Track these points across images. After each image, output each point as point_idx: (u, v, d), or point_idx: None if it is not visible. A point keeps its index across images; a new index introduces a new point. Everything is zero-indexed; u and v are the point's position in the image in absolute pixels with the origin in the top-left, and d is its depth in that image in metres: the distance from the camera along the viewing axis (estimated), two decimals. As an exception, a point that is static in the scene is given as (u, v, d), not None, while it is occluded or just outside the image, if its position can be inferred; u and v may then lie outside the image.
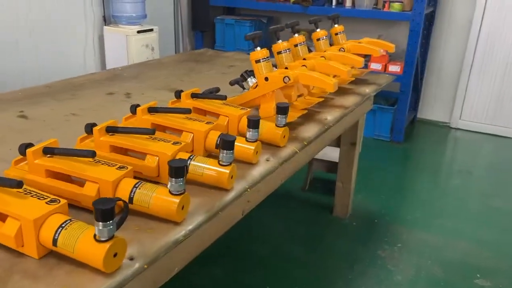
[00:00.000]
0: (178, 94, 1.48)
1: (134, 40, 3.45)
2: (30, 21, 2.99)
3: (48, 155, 1.01)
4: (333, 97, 1.90)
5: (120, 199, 0.84)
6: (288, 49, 1.69)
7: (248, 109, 1.43)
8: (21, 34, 2.96)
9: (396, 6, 3.57)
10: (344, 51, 1.96)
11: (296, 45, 1.84)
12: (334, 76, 1.67)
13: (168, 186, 0.92)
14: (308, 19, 2.04)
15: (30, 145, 1.02)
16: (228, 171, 1.06)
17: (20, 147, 1.02)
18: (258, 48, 1.53)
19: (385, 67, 3.70)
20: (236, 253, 2.27)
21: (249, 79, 1.59)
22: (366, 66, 3.75)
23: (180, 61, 2.55)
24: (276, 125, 1.34)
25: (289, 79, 1.44)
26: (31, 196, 0.86)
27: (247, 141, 1.21)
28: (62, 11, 3.23)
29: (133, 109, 1.33)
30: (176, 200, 0.92)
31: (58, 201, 0.85)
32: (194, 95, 1.47)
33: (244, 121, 1.37)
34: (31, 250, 0.83)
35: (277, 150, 1.34)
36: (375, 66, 3.73)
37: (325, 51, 1.92)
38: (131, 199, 0.93)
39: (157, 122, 1.28)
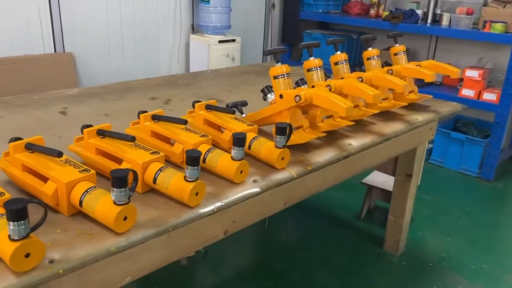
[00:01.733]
0: (193, 104, 1.48)
1: (215, 49, 3.57)
2: (122, 26, 3.27)
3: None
4: (375, 122, 1.75)
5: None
6: (319, 66, 1.59)
7: (255, 126, 1.38)
8: (114, 40, 3.25)
9: (498, 27, 3.17)
10: (392, 73, 1.79)
11: (336, 63, 1.73)
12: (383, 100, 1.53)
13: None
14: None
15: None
16: (189, 188, 1.02)
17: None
18: (279, 64, 1.46)
19: (479, 94, 3.31)
20: (266, 273, 2.19)
21: (269, 95, 1.53)
22: (432, 91, 3.42)
23: (240, 72, 2.57)
24: (275, 146, 1.27)
25: (300, 99, 1.35)
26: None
27: (232, 159, 1.16)
28: (153, 19, 3.47)
29: (138, 115, 1.37)
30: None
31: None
32: (208, 107, 1.46)
33: (250, 135, 1.32)
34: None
35: (271, 172, 1.27)
36: (467, 92, 3.35)
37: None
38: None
39: (154, 129, 1.30)
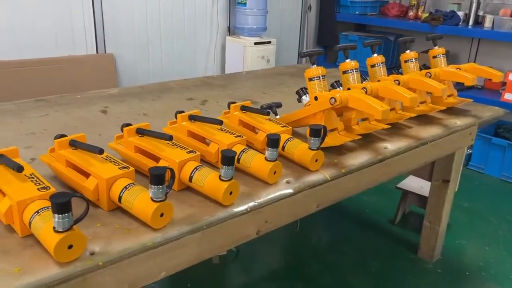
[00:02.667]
0: (228, 105, 1.50)
1: (250, 51, 3.60)
2: (161, 26, 3.35)
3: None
4: (411, 126, 1.72)
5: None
6: (355, 69, 1.58)
7: (289, 128, 1.38)
8: (152, 38, 3.34)
9: (544, 29, 3.05)
10: (430, 76, 1.75)
11: (373, 66, 1.71)
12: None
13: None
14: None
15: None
16: (224, 187, 1.04)
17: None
18: (314, 66, 1.46)
19: (523, 99, 3.18)
20: (298, 274, 2.19)
21: (304, 97, 1.53)
22: (473, 95, 3.31)
23: (275, 74, 2.58)
24: (309, 148, 1.27)
25: (335, 101, 1.35)
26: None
27: (265, 160, 1.17)
28: (191, 20, 3.54)
29: (176, 114, 1.40)
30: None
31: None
32: (243, 108, 1.48)
33: (284, 137, 1.33)
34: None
35: (305, 174, 1.27)
36: (510, 96, 3.23)
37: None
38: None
39: (191, 129, 1.33)
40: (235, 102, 1.51)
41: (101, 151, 1.05)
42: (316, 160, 1.28)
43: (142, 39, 3.28)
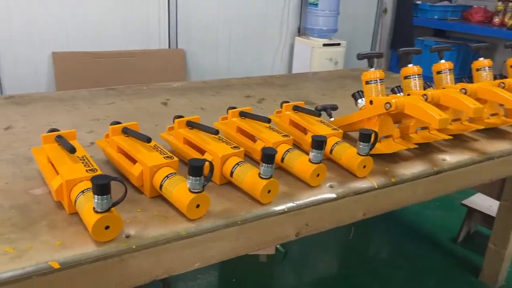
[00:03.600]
0: (281, 104, 1.50)
1: (318, 53, 3.56)
2: (232, 25, 3.43)
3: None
4: (478, 139, 1.60)
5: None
6: (418, 74, 1.50)
7: (340, 131, 1.35)
8: (222, 36, 3.42)
9: None
10: (504, 86, 1.62)
11: (439, 72, 1.61)
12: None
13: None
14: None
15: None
16: (262, 184, 1.04)
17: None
18: (372, 69, 1.41)
19: None
20: (348, 284, 2.14)
21: (359, 100, 1.48)
22: None
23: (339, 77, 2.52)
24: (357, 153, 1.23)
25: (391, 106, 1.29)
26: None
27: (309, 161, 1.15)
28: (262, 20, 3.58)
29: (227, 110, 1.42)
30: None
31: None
32: (295, 108, 1.46)
33: (333, 140, 1.30)
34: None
35: (351, 180, 1.23)
36: None
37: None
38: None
39: (240, 125, 1.34)
40: (288, 102, 1.50)
41: (148, 140, 1.10)
42: (364, 166, 1.23)
43: (212, 37, 3.37)
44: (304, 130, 1.40)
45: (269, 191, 1.06)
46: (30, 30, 2.77)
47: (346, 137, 1.50)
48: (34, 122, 1.52)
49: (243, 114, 1.37)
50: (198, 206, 0.97)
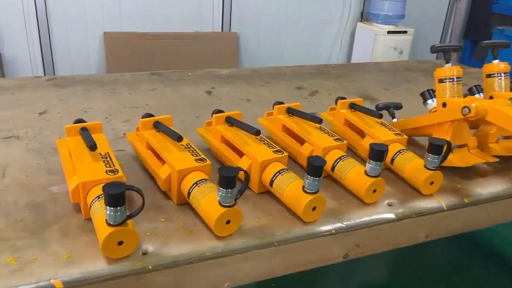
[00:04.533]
0: (336, 100, 1.32)
1: (382, 40, 3.29)
2: (288, 9, 3.23)
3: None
4: None
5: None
6: (504, 73, 1.26)
7: (404, 137, 1.15)
8: (278, 21, 3.24)
9: None
10: None
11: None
12: None
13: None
14: None
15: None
16: (306, 201, 0.87)
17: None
18: (448, 65, 1.19)
19: None
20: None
21: (429, 101, 1.27)
22: None
23: (405, 69, 2.27)
24: (424, 166, 1.02)
25: (469, 112, 1.07)
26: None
27: (365, 174, 0.97)
28: (321, 3, 3.35)
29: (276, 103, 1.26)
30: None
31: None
32: (352, 106, 1.28)
33: (394, 147, 1.11)
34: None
35: (414, 197, 1.03)
36: None
37: None
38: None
39: (286, 124, 1.18)
40: (344, 98, 1.32)
41: (179, 138, 0.96)
42: (432, 183, 1.03)
43: (267, 21, 3.20)
44: (361, 133, 1.21)
45: (314, 208, 0.90)
46: (83, 9, 2.74)
47: (410, 142, 1.30)
48: (70, 107, 1.44)
49: (290, 111, 1.21)
50: (228, 222, 0.83)
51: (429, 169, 1.02)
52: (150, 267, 0.77)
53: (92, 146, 0.90)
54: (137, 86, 1.70)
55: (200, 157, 0.95)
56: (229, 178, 0.79)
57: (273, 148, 1.02)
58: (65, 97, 1.53)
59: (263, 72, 1.99)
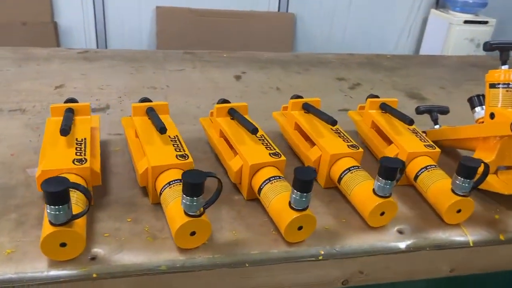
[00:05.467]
0: (367, 98, 1.14)
1: (456, 31, 2.95)
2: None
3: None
4: None
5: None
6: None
7: (437, 150, 0.96)
8: (341, 3, 3.01)
9: None
10: None
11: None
12: None
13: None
14: None
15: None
16: (288, 219, 0.74)
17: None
18: (505, 67, 0.97)
19: None
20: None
21: (477, 109, 1.05)
22: None
23: (472, 65, 1.99)
24: (451, 190, 0.84)
25: (520, 128, 0.86)
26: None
27: (373, 192, 0.81)
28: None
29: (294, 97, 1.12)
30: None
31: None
32: (383, 107, 1.10)
33: (421, 162, 0.93)
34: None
35: (433, 226, 0.85)
36: None
37: None
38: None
39: (299, 122, 1.03)
40: (376, 96, 1.14)
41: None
42: (459, 211, 0.84)
43: (328, 3, 2.98)
44: (389, 140, 1.04)
45: (300, 228, 0.76)
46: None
47: (452, 155, 1.10)
48: (88, 83, 1.40)
49: (306, 107, 1.06)
50: (193, 233, 0.72)
51: (457, 194, 0.83)
52: (94, 275, 0.68)
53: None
54: (165, 65, 1.62)
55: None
56: (193, 186, 0.68)
57: (270, 149, 0.89)
58: (89, 71, 1.49)
59: (304, 58, 1.83)
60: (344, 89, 1.54)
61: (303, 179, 0.71)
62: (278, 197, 0.78)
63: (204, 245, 0.74)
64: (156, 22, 2.73)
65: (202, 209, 0.71)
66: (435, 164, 0.92)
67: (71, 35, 2.73)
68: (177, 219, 0.71)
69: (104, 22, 2.73)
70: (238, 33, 2.81)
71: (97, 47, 2.80)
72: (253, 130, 0.90)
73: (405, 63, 1.92)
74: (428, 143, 0.97)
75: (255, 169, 0.85)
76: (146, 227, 0.78)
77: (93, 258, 0.70)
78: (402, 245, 0.81)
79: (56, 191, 0.63)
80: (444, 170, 0.91)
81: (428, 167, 0.91)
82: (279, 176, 0.83)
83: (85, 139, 0.86)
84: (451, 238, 0.84)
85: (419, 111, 1.18)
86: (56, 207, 0.64)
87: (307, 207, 0.75)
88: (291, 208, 0.75)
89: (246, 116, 1.00)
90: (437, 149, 0.96)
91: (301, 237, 0.78)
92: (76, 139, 0.86)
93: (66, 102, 0.98)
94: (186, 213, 0.71)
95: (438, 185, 0.87)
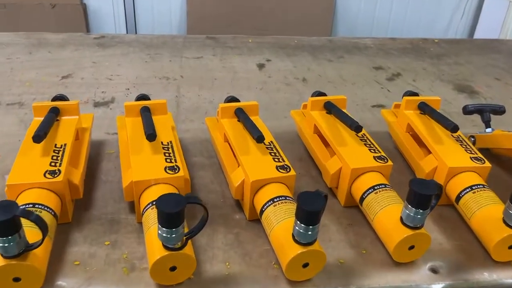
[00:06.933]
0: (403, 95, 0.97)
1: (517, 10, 2.63)
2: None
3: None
4: None
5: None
6: None
7: (486, 165, 0.78)
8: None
9: None
10: None
11: None
12: None
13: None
14: None
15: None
16: (291, 254, 0.60)
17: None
18: None
19: None
20: None
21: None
22: None
23: (535, 51, 1.73)
24: (503, 221, 0.67)
25: None
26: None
27: (401, 221, 0.65)
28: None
29: (315, 94, 0.96)
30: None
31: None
32: (421, 106, 0.92)
33: (465, 179, 0.76)
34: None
35: (480, 263, 0.68)
36: None
37: None
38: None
39: (318, 124, 0.88)
40: (415, 94, 0.96)
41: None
42: (511, 248, 0.67)
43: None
44: (427, 148, 0.87)
45: (305, 265, 0.62)
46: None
47: (507, 167, 0.92)
48: (97, 72, 1.30)
49: (328, 107, 0.90)
50: (174, 268, 0.60)
51: (509, 226, 0.66)
52: (49, 316, 0.57)
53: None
54: (184, 52, 1.50)
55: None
56: (170, 216, 0.55)
57: (278, 161, 0.74)
58: (101, 59, 1.39)
59: (338, 44, 1.65)
60: (381, 81, 1.36)
61: (309, 210, 0.57)
62: (282, 224, 0.64)
63: (189, 280, 0.62)
64: (186, 3, 2.61)
65: (184, 239, 0.59)
66: (483, 183, 0.75)
67: (100, 19, 2.67)
68: (155, 251, 0.59)
69: (134, 5, 2.64)
70: (272, 14, 2.63)
71: (127, 32, 2.72)
72: (259, 138, 0.75)
73: (455, 49, 1.69)
74: (475, 155, 0.79)
75: (258, 186, 0.71)
76: (125, 254, 0.66)
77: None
78: (437, 286, 0.65)
79: (2, 220, 0.52)
80: (496, 190, 0.74)
81: (474, 188, 0.74)
82: (285, 197, 0.69)
83: (65, 145, 0.75)
84: (501, 281, 0.66)
85: (467, 111, 0.99)
86: (4, 238, 0.53)
87: (315, 240, 0.60)
88: (295, 241, 0.60)
89: (255, 118, 0.86)
90: (487, 164, 0.78)
91: (307, 275, 0.63)
92: (55, 145, 0.75)
93: (53, 99, 0.87)
94: (164, 246, 0.58)
95: (486, 212, 0.70)
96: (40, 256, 0.58)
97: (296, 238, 0.60)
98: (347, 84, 1.32)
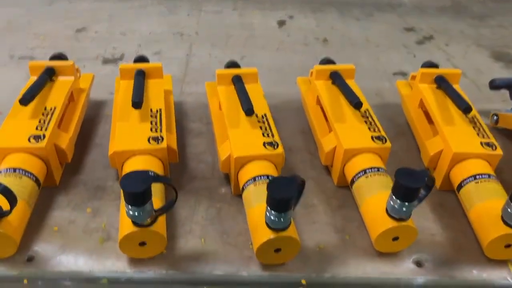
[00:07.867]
0: (427, 65, 0.89)
1: None
2: None
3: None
4: None
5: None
6: None
7: (497, 152, 0.71)
8: None
9: None
10: None
11: None
12: None
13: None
14: None
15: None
16: (263, 239, 0.57)
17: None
18: None
19: None
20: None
21: None
22: None
23: None
24: (501, 218, 0.61)
25: None
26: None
27: (386, 211, 0.61)
28: None
29: (324, 62, 0.90)
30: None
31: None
32: (438, 80, 0.84)
33: (470, 166, 0.69)
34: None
35: (471, 259, 0.64)
36: None
37: None
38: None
39: (320, 96, 0.82)
40: (434, 65, 0.88)
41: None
42: (509, 246, 0.62)
43: None
44: (435, 127, 0.80)
45: (278, 250, 0.60)
46: None
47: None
48: (112, 27, 1.28)
49: (334, 77, 0.84)
50: (144, 244, 0.59)
51: (508, 225, 0.60)
52: (25, 281, 0.59)
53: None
54: (204, 5, 1.44)
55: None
56: (133, 195, 0.54)
57: (268, 137, 0.71)
58: (118, 12, 1.36)
59: (368, 1, 1.53)
60: (410, 44, 1.26)
61: (277, 198, 0.54)
62: (259, 205, 0.62)
63: (161, 255, 0.62)
64: None
65: (154, 215, 0.58)
66: (489, 173, 0.68)
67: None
68: (124, 226, 0.58)
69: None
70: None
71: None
72: (248, 111, 0.72)
73: (502, 9, 1.52)
74: (487, 140, 0.72)
75: (242, 162, 0.68)
76: (104, 223, 0.67)
77: (30, 259, 0.61)
78: (418, 280, 0.62)
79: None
80: (506, 181, 0.67)
81: (477, 177, 0.67)
82: (267, 176, 0.66)
83: (54, 108, 0.75)
84: (491, 280, 0.62)
85: (494, 85, 0.90)
86: (-26, 205, 0.54)
87: (287, 226, 0.58)
88: (268, 226, 0.58)
89: (255, 85, 0.82)
90: (498, 151, 0.70)
91: (280, 260, 0.62)
92: (45, 108, 0.75)
93: (51, 58, 0.87)
94: (133, 222, 0.58)
95: (486, 205, 0.64)
96: (14, 223, 0.59)
97: (268, 223, 0.58)
98: (370, 47, 1.23)
